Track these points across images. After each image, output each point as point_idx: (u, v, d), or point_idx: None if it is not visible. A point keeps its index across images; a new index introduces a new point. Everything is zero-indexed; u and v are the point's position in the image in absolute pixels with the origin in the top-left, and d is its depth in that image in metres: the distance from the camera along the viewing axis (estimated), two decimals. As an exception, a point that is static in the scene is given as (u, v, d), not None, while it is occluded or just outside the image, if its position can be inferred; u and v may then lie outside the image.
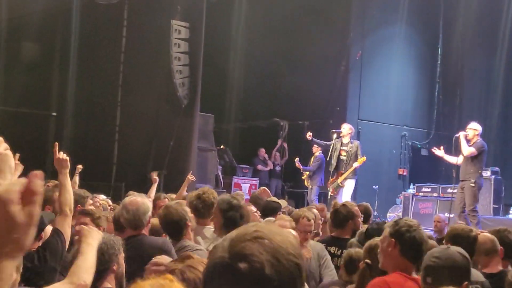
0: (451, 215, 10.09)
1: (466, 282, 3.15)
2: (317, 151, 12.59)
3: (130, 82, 12.16)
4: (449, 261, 3.17)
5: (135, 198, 4.61)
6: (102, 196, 7.58)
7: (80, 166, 8.73)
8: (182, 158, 12.27)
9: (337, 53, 14.71)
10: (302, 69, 15.30)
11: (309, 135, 11.84)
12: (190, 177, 9.08)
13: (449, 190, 12.38)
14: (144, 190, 9.29)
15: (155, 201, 7.08)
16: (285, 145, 15.14)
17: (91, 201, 5.98)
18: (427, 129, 15.91)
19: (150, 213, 4.60)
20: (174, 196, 7.54)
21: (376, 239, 3.80)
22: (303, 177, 12.79)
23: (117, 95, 12.11)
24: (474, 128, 10.05)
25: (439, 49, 15.95)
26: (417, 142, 15.58)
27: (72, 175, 8.50)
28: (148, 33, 12.36)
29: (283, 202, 6.95)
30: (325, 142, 11.85)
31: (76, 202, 5.68)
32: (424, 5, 15.71)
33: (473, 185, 9.76)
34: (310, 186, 12.57)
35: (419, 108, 15.90)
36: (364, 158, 11.07)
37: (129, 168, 11.97)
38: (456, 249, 3.30)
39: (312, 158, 12.67)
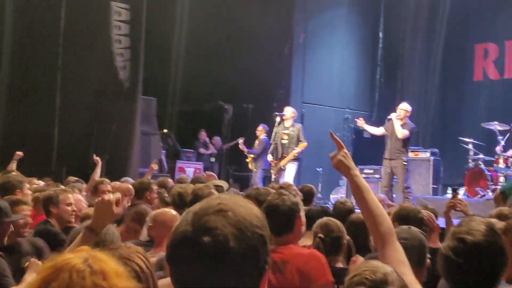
0: (394, 195, 10.30)
1: (428, 260, 3.31)
2: (261, 134, 12.61)
3: (69, 65, 11.87)
4: (416, 241, 3.29)
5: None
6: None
7: (19, 153, 8.55)
8: (125, 142, 12.12)
9: (281, 36, 14.73)
10: (246, 52, 15.27)
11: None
12: (154, 166, 9.05)
13: (390, 172, 12.63)
14: (86, 175, 9.17)
15: (98, 185, 6.98)
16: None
17: (28, 185, 5.88)
18: (369, 111, 16.13)
19: None
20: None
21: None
22: (247, 160, 12.80)
23: (56, 78, 11.80)
24: (405, 109, 10.32)
25: (381, 33, 16.16)
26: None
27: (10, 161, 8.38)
28: (87, 15, 12.07)
29: (224, 184, 6.98)
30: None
31: (14, 187, 5.59)
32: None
33: (405, 163, 10.11)
34: (255, 169, 12.60)
35: (361, 91, 16.11)
36: (305, 143, 11.11)
37: (70, 153, 11.73)
38: (416, 229, 3.45)
39: (257, 141, 12.69)
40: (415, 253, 3.16)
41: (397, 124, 10.13)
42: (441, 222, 5.03)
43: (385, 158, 10.39)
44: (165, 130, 14.91)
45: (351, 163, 2.49)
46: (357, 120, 10.98)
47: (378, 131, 10.67)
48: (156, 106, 14.07)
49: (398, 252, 2.36)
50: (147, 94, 13.39)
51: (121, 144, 11.98)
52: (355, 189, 2.47)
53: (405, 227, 3.48)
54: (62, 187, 6.48)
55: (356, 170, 2.50)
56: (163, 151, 14.16)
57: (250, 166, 12.71)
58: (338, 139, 2.60)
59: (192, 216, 1.47)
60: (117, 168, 11.10)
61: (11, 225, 4.16)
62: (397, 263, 2.25)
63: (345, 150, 2.54)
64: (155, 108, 14.02)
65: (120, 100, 12.13)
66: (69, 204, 5.17)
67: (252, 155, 12.55)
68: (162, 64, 15.99)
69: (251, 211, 1.49)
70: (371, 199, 2.44)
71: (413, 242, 3.25)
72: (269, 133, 12.06)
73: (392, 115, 10.25)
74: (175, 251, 1.46)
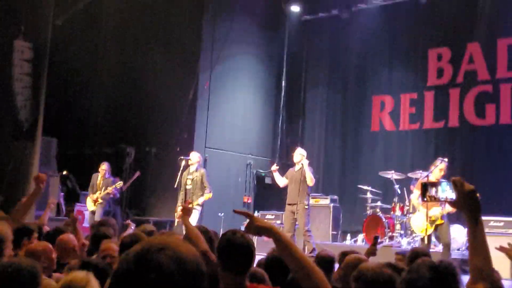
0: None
1: None
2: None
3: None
4: None
5: None
6: None
7: None
8: (22, 183, 11.69)
9: (186, 82, 14.81)
10: (151, 97, 15.26)
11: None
12: (52, 202, 8.73)
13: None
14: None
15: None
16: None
17: None
18: (271, 157, 16.37)
19: None
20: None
21: None
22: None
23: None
24: (302, 154, 10.62)
25: (283, 81, 16.56)
26: (261, 171, 15.98)
27: None
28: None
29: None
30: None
31: None
32: (270, 38, 16.29)
33: (307, 206, 10.44)
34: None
35: (264, 137, 16.36)
36: (210, 195, 11.14)
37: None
38: None
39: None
40: None
41: (308, 171, 10.43)
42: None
43: (288, 204, 10.60)
44: (64, 172, 14.53)
45: (268, 223, 2.54)
46: (273, 165, 11.16)
47: (282, 182, 10.87)
48: (56, 147, 13.71)
49: None
50: (47, 134, 13.05)
51: (17, 185, 11.56)
52: (282, 247, 2.47)
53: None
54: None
55: (277, 228, 2.54)
56: (62, 194, 13.77)
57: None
58: (242, 211, 2.66)
59: (134, 255, 1.49)
60: (13, 210, 10.65)
61: None
62: None
63: (254, 215, 2.60)
64: (56, 149, 13.66)
65: (18, 140, 11.75)
66: None
67: None
68: (65, 105, 15.70)
69: (190, 248, 1.54)
70: (299, 252, 2.47)
71: None
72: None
73: (304, 162, 10.52)
74: None
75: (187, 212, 4.80)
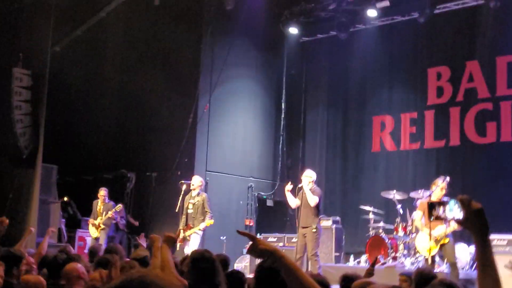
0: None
1: None
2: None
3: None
4: None
5: None
6: None
7: None
8: (22, 211, 11.64)
9: (185, 105, 14.82)
10: (150, 121, 15.26)
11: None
12: (51, 230, 8.71)
13: (294, 240, 12.74)
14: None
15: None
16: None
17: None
18: (272, 180, 16.34)
19: None
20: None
21: None
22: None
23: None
24: (309, 175, 10.54)
25: (283, 104, 16.56)
26: (262, 193, 15.93)
27: None
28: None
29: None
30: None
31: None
32: (269, 60, 16.33)
33: (315, 230, 10.32)
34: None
35: (265, 160, 16.32)
36: (212, 221, 11.04)
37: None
38: None
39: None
40: None
41: (308, 192, 10.35)
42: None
43: (301, 227, 10.54)
44: (65, 198, 14.48)
45: (271, 245, 2.50)
46: (287, 185, 10.93)
47: (294, 203, 10.74)
48: (56, 173, 13.68)
49: None
50: (47, 161, 13.02)
51: (18, 213, 11.50)
52: (286, 270, 2.42)
53: None
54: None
55: (280, 251, 2.49)
56: (63, 220, 13.71)
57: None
58: (246, 232, 2.62)
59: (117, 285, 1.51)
60: (14, 238, 10.59)
61: None
62: None
63: (258, 238, 2.55)
64: (56, 176, 13.62)
65: (18, 168, 11.72)
66: None
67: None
68: (65, 131, 15.70)
69: (171, 280, 1.53)
70: (304, 276, 2.41)
71: None
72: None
73: (303, 184, 10.46)
74: None
75: (169, 240, 4.77)
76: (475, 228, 2.35)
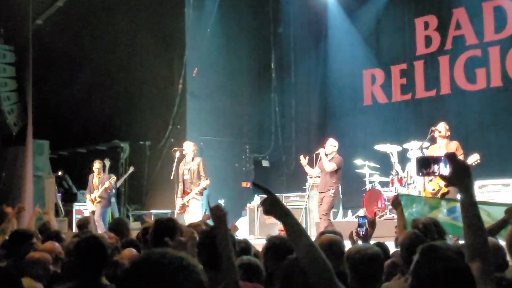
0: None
1: None
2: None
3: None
4: None
5: None
6: None
7: None
8: (16, 188, 11.62)
9: (174, 71, 14.69)
10: (141, 89, 15.14)
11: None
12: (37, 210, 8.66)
13: (291, 199, 12.78)
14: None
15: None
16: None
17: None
18: (267, 140, 16.29)
19: None
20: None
21: None
22: None
23: None
24: (333, 145, 10.59)
25: (272, 62, 16.43)
26: (257, 155, 15.91)
27: None
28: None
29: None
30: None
31: None
32: (256, 20, 16.13)
33: (332, 195, 10.44)
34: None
35: (257, 121, 16.24)
36: (208, 181, 11.01)
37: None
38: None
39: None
40: None
41: (325, 159, 10.46)
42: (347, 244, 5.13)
43: (319, 192, 10.72)
44: (60, 173, 14.44)
45: (285, 208, 2.48)
46: (301, 157, 10.94)
47: (315, 172, 10.85)
48: (48, 148, 13.61)
49: None
50: (38, 136, 12.94)
51: (13, 190, 11.49)
52: (290, 231, 2.44)
53: None
54: None
55: (290, 214, 2.47)
56: (59, 194, 13.69)
57: None
58: (262, 186, 2.58)
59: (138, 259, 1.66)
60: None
61: None
62: None
63: (275, 195, 2.52)
64: (48, 151, 13.56)
65: (9, 145, 11.66)
66: None
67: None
68: (55, 105, 15.59)
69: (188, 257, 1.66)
70: (307, 239, 2.42)
71: None
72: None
73: (320, 150, 10.51)
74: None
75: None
76: (462, 185, 2.35)
